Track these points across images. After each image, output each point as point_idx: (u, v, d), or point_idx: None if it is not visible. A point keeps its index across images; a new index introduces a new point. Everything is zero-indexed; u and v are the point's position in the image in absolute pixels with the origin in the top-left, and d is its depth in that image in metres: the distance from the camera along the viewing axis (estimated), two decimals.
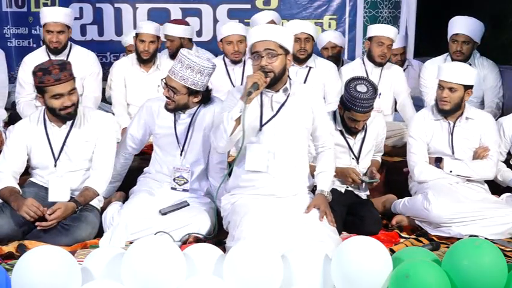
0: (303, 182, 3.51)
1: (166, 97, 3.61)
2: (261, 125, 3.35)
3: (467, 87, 3.88)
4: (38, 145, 3.66)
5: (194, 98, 3.66)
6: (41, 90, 3.52)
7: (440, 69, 3.99)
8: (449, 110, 3.93)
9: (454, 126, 3.98)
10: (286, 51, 3.28)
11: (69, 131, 3.65)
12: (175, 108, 3.66)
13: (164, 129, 3.77)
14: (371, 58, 5.04)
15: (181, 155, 3.77)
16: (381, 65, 5.02)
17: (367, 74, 4.89)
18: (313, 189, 3.56)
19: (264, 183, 3.39)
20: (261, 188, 3.40)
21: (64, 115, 3.57)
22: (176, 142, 3.76)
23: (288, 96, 3.37)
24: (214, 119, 3.70)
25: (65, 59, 4.76)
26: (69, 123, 3.64)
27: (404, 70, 5.69)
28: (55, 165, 3.66)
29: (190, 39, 5.64)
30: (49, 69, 3.45)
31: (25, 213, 3.40)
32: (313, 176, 3.58)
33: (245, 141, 3.26)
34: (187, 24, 5.67)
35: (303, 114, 3.40)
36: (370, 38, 5.06)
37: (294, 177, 3.45)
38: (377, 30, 5.05)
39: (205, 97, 3.71)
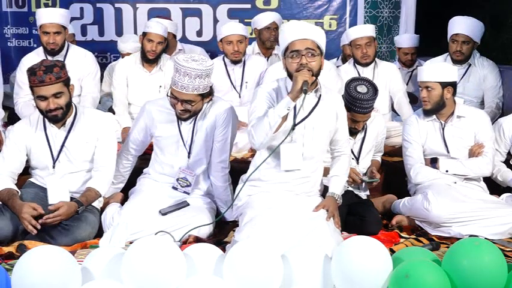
0: (318, 184, 3.54)
1: (181, 110, 3.59)
2: (295, 125, 3.32)
3: (446, 85, 3.88)
4: (37, 146, 3.65)
5: (206, 98, 3.67)
6: (30, 89, 3.53)
7: (418, 71, 4.04)
8: (432, 109, 3.94)
9: (444, 126, 3.98)
10: (321, 53, 3.28)
11: (68, 132, 3.64)
12: (191, 116, 3.67)
13: (167, 132, 3.76)
14: (356, 61, 5.07)
15: (188, 157, 3.77)
16: (367, 65, 5.03)
17: (359, 75, 4.90)
18: (323, 192, 3.57)
19: (286, 180, 3.39)
20: (282, 184, 3.39)
21: (50, 117, 3.55)
22: (181, 143, 3.75)
23: (319, 98, 3.37)
24: (216, 118, 3.72)
25: (63, 59, 4.77)
26: (68, 124, 3.63)
27: (413, 70, 5.71)
28: (53, 167, 3.66)
29: (174, 36, 5.70)
30: (35, 70, 3.44)
31: (25, 224, 3.38)
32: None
33: (283, 139, 3.26)
34: (170, 19, 5.78)
35: (329, 118, 3.41)
36: (350, 43, 5.12)
37: (314, 178, 3.46)
38: (352, 33, 5.09)
39: (213, 92, 3.72)
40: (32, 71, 3.45)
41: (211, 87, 3.66)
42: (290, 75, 3.28)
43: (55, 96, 3.47)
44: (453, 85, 3.92)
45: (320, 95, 3.36)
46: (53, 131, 3.64)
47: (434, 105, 3.92)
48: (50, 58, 4.69)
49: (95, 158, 3.69)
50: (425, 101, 3.92)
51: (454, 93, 3.94)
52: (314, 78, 3.24)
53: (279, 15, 5.75)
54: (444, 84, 3.87)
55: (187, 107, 3.59)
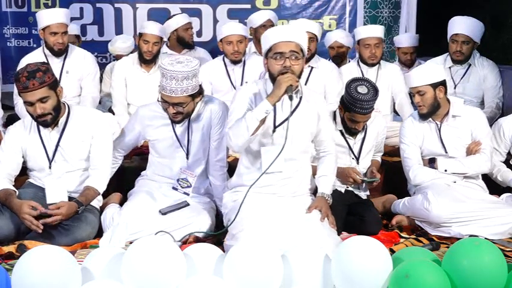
0: (306, 184, 3.52)
1: (174, 113, 3.60)
2: (275, 127, 3.34)
3: (436, 85, 3.87)
4: (32, 148, 3.64)
5: (197, 98, 3.66)
6: (18, 94, 3.52)
7: (406, 78, 4.04)
8: (428, 113, 3.93)
9: (440, 126, 3.98)
10: (304, 56, 3.28)
11: (62, 132, 3.62)
12: (185, 118, 3.67)
13: (162, 135, 3.77)
14: (363, 60, 5.09)
15: (187, 158, 3.77)
16: (373, 65, 5.05)
17: (362, 75, 4.91)
18: (314, 192, 3.56)
19: (269, 183, 3.37)
20: (265, 187, 3.38)
21: (40, 122, 3.53)
22: (178, 145, 3.76)
23: (300, 100, 3.36)
24: (211, 117, 3.72)
25: (63, 60, 4.79)
26: (61, 124, 3.61)
27: None
28: (50, 167, 3.65)
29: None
30: (19, 75, 3.40)
31: (28, 225, 3.38)
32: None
33: (262, 141, 3.28)
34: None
35: (311, 119, 3.40)
36: (358, 42, 5.14)
37: (298, 178, 3.45)
38: (362, 32, 5.13)
39: (203, 91, 3.72)
40: (16, 77, 3.42)
41: (200, 86, 3.66)
42: (271, 77, 3.27)
43: (41, 101, 3.42)
44: (443, 84, 3.91)
45: (301, 97, 3.35)
46: (47, 132, 3.62)
47: (430, 107, 3.91)
48: (50, 58, 4.71)
49: (91, 156, 3.68)
50: (420, 105, 3.92)
51: (445, 92, 3.94)
52: (298, 81, 3.23)
53: (274, 13, 5.74)
54: (435, 85, 3.87)
55: (179, 110, 3.58)
